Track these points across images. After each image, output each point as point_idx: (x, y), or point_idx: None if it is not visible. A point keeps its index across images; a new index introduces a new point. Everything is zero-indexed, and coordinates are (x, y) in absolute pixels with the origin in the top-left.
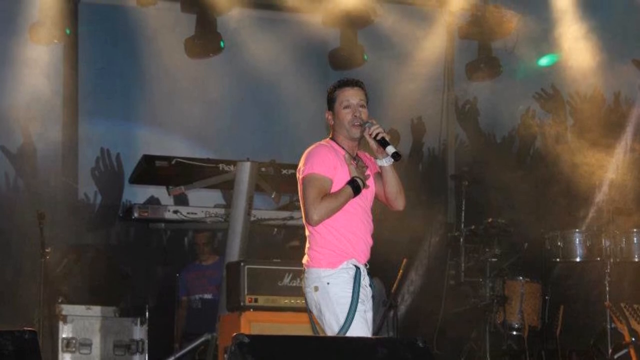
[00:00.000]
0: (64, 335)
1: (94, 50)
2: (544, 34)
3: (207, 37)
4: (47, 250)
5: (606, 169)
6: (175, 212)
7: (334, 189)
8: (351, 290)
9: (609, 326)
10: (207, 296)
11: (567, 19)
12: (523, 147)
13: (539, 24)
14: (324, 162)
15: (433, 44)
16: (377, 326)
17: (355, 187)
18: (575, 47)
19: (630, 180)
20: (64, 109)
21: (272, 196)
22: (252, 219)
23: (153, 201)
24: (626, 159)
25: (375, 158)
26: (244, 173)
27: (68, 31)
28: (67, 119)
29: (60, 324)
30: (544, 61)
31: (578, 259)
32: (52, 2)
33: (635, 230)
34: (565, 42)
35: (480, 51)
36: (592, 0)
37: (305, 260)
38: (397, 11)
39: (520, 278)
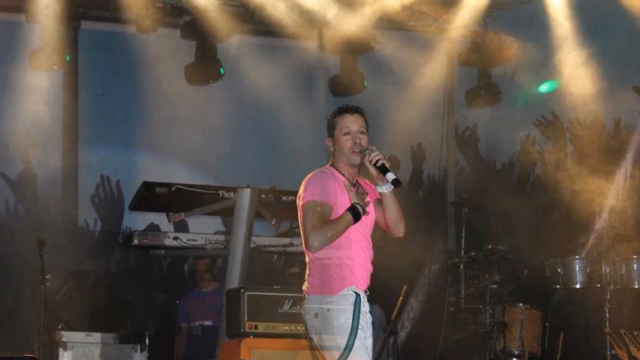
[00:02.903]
0: None
1: (94, 76)
2: (544, 61)
3: (207, 63)
4: (47, 277)
5: (606, 195)
6: (175, 238)
7: (334, 216)
8: (351, 317)
9: (609, 353)
10: (207, 323)
11: (567, 46)
12: (523, 173)
13: (539, 50)
14: (324, 189)
15: (433, 71)
16: (377, 353)
17: (355, 213)
18: (575, 74)
19: (630, 206)
20: (63, 135)
21: (272, 223)
22: (252, 245)
23: (153, 228)
24: (626, 185)
25: (375, 185)
26: (244, 200)
27: (68, 58)
28: (67, 145)
29: (60, 350)
30: (544, 88)
31: (578, 286)
32: (52, 29)
33: (635, 256)
34: (565, 69)
35: (480, 78)
36: (592, 27)
37: (305, 286)
38: (397, 38)
39: (520, 305)
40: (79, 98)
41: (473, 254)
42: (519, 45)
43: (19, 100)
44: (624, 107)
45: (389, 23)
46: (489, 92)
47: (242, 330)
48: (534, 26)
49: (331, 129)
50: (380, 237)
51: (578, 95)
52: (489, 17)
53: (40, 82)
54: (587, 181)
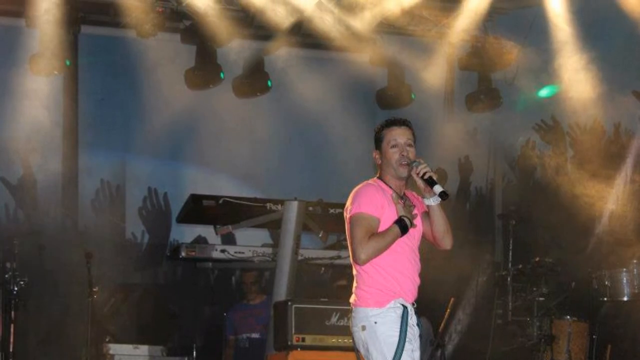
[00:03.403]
0: None
1: (94, 81)
2: (544, 65)
3: (207, 68)
4: (94, 290)
5: (606, 200)
6: (223, 251)
7: (381, 228)
8: (399, 330)
9: None
10: (255, 335)
11: (567, 50)
12: (523, 178)
13: (539, 55)
14: (371, 202)
15: (433, 75)
16: None
17: (402, 226)
18: (576, 79)
19: (631, 211)
20: (64, 140)
21: (320, 235)
22: (300, 258)
23: (200, 240)
24: (626, 190)
25: (423, 197)
26: (292, 212)
27: (68, 62)
28: (67, 150)
29: None
30: (544, 92)
31: (625, 298)
32: (52, 34)
33: None
34: (565, 74)
35: (480, 82)
36: (593, 32)
37: (352, 299)
38: (397, 42)
39: (568, 317)
40: (79, 103)
41: (520, 266)
42: (519, 49)
43: (19, 105)
44: (624, 111)
45: (389, 28)
46: (489, 97)
47: (289, 343)
48: (534, 31)
49: (378, 141)
50: (427, 249)
51: (578, 99)
52: (489, 22)
53: (40, 87)
54: (587, 186)
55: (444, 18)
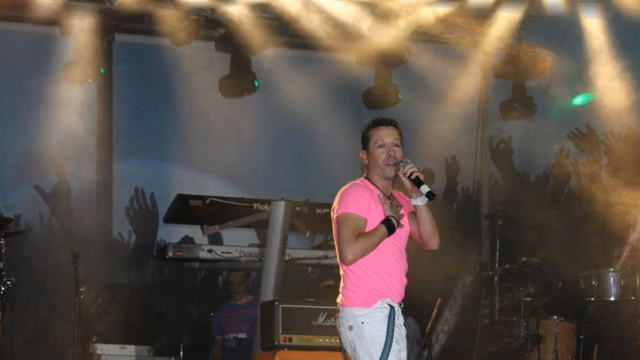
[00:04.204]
0: None
1: (128, 89)
2: (578, 73)
3: (241, 76)
4: (81, 290)
5: None
6: (210, 251)
7: (368, 228)
8: (385, 330)
9: None
10: (242, 335)
11: (601, 58)
12: (557, 186)
13: (574, 63)
14: (358, 202)
15: (467, 83)
16: None
17: (389, 226)
18: (610, 87)
19: None
20: (98, 148)
21: (307, 235)
22: (287, 258)
23: (187, 240)
24: None
25: (410, 197)
26: (278, 212)
27: (102, 70)
28: (101, 158)
29: None
30: (578, 100)
31: (612, 298)
32: (87, 42)
33: None
34: (600, 82)
35: (514, 90)
36: (627, 40)
37: (339, 299)
38: (431, 50)
39: (555, 317)
40: (113, 110)
41: (507, 266)
42: (553, 57)
43: (53, 113)
44: None
45: (423, 35)
46: (524, 105)
47: (276, 343)
48: (568, 39)
49: (365, 141)
50: (414, 249)
51: (612, 107)
52: (523, 30)
53: (74, 95)
54: (621, 194)
55: (478, 26)
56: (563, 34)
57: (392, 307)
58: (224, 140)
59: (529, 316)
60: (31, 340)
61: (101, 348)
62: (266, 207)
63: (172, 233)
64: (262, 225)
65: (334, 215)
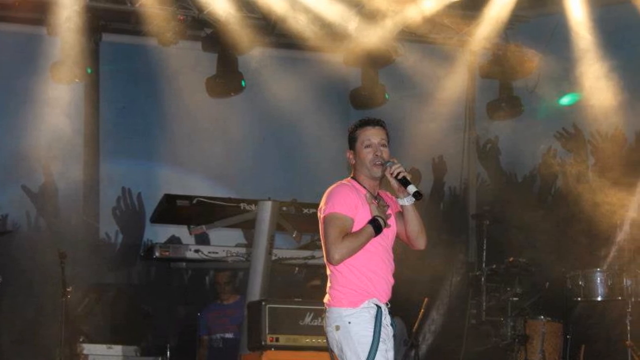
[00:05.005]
0: None
1: (115, 89)
2: (565, 73)
3: (228, 76)
4: (68, 290)
5: (627, 208)
6: (197, 251)
7: (355, 228)
8: (372, 330)
9: None
10: (229, 335)
11: (588, 58)
12: (544, 186)
13: (560, 63)
14: (345, 202)
15: (454, 83)
16: None
17: (376, 226)
18: (597, 86)
19: None
20: (85, 148)
21: (294, 235)
22: (274, 258)
23: (174, 240)
24: None
25: (397, 197)
26: (265, 212)
27: (89, 70)
28: (88, 158)
29: None
30: (565, 100)
31: (599, 298)
32: (74, 42)
33: None
34: (587, 81)
35: (501, 90)
36: (614, 40)
37: (326, 299)
38: (419, 50)
39: (542, 317)
40: (100, 110)
41: (494, 266)
42: (540, 57)
43: (40, 113)
44: None
45: (410, 35)
46: (510, 105)
47: (263, 343)
48: (555, 39)
49: (352, 141)
50: (401, 249)
51: (599, 107)
52: (510, 30)
53: (61, 95)
54: (608, 194)
55: (465, 26)
56: (550, 34)
57: (379, 307)
58: (210, 140)
59: (516, 316)
60: (18, 340)
61: (88, 348)
62: (253, 207)
63: (159, 233)
64: (249, 225)
65: (320, 215)
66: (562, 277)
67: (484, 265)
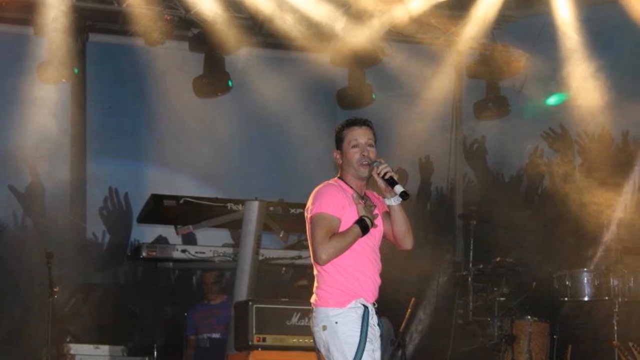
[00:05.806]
0: None
1: (102, 89)
2: (552, 73)
3: (215, 76)
4: (55, 290)
5: (614, 208)
6: (184, 251)
7: (342, 228)
8: (359, 330)
9: None
10: (215, 335)
11: (575, 58)
12: (531, 186)
13: (547, 63)
14: (332, 202)
15: (441, 83)
16: None
17: (363, 226)
18: (584, 87)
19: (639, 219)
20: (71, 148)
21: (280, 235)
22: (260, 258)
23: (161, 240)
24: (634, 198)
25: (384, 197)
26: (252, 212)
27: (76, 70)
28: (75, 158)
29: None
30: (552, 100)
31: (586, 298)
32: (60, 42)
33: None
34: (574, 82)
35: (488, 90)
36: (601, 40)
37: (313, 299)
38: (405, 50)
39: (528, 317)
40: (87, 110)
41: (481, 266)
42: (527, 57)
43: (27, 113)
44: (632, 119)
45: (397, 35)
46: (497, 105)
47: (250, 343)
48: (542, 39)
49: (339, 141)
50: (388, 249)
51: (586, 107)
52: (497, 30)
53: (48, 95)
54: (595, 194)
55: (452, 26)
56: (537, 34)
57: (365, 307)
58: (197, 140)
59: (503, 316)
60: (5, 340)
61: (75, 348)
62: (240, 207)
63: (146, 233)
64: (235, 225)
65: (307, 215)
66: (549, 277)
67: (471, 265)
